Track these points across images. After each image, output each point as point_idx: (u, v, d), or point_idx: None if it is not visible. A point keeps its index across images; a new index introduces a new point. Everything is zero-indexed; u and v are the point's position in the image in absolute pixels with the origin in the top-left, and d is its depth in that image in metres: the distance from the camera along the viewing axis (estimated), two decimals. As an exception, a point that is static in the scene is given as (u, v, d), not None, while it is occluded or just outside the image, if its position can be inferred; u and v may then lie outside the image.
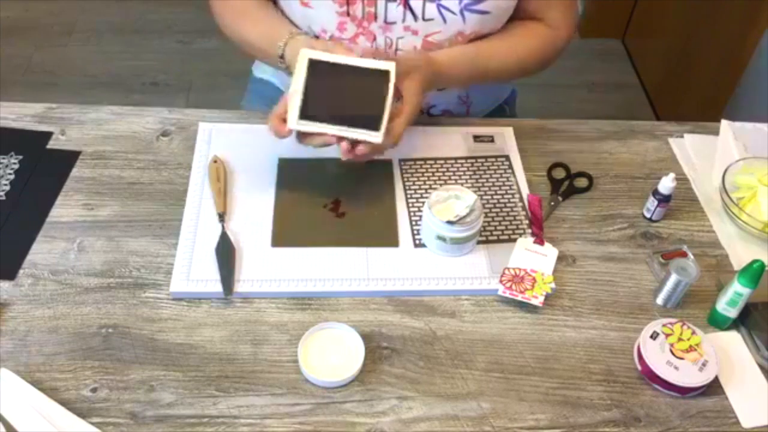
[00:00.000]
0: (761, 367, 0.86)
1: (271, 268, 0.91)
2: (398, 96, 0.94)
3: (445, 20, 1.02)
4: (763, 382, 0.85)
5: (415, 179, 1.03)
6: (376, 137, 0.90)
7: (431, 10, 1.01)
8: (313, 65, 0.92)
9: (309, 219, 0.97)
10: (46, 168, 1.03)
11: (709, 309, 0.90)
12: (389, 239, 0.96)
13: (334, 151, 1.06)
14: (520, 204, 1.01)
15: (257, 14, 1.07)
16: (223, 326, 0.86)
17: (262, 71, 1.30)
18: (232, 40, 1.11)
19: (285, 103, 0.92)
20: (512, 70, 1.11)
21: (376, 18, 1.02)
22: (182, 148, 1.07)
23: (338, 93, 0.92)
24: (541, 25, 1.10)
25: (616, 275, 0.95)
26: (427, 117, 1.17)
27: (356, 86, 0.92)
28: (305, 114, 0.90)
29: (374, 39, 1.05)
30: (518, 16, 1.10)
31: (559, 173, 1.07)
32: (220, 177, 1.00)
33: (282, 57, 1.02)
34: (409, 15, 1.02)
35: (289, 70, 1.01)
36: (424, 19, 1.02)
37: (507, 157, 1.08)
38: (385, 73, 0.91)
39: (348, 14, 1.02)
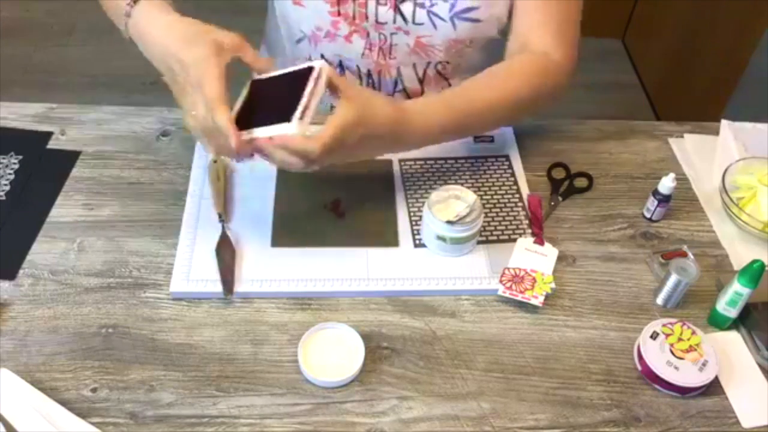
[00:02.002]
0: (761, 367, 0.86)
1: (271, 268, 0.91)
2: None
3: (435, 26, 1.02)
4: (763, 382, 0.85)
5: (415, 179, 1.03)
6: (287, 128, 0.78)
7: (421, 15, 1.01)
8: (253, 84, 0.87)
9: (309, 219, 0.97)
10: (46, 168, 1.03)
11: (709, 309, 0.90)
12: (389, 239, 0.96)
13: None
14: (520, 204, 1.01)
15: None
16: (223, 326, 0.86)
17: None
18: None
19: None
20: (501, 107, 0.97)
21: (367, 17, 1.03)
22: (182, 148, 1.07)
23: (266, 100, 0.85)
24: (534, 54, 1.00)
25: (616, 275, 0.95)
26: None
27: (282, 88, 0.84)
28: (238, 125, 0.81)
29: (368, 35, 1.05)
30: (513, 47, 1.02)
31: (559, 173, 1.07)
32: (220, 177, 1.00)
33: (134, 1, 0.86)
34: (399, 18, 1.02)
35: (128, 26, 0.88)
36: (414, 23, 1.02)
37: (507, 157, 1.08)
38: (309, 70, 0.82)
39: (339, 14, 1.02)
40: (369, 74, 1.11)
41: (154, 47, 0.86)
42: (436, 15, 1.01)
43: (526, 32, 1.01)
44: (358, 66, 1.09)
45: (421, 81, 1.12)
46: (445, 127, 0.94)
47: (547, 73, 0.99)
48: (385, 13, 1.02)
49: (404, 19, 1.02)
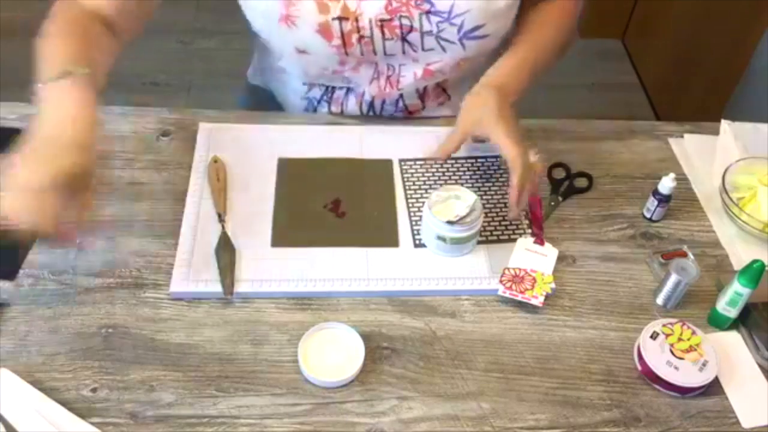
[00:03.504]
0: (761, 367, 0.86)
1: (271, 268, 0.91)
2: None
3: (444, 50, 1.02)
4: (763, 382, 0.85)
5: (415, 179, 1.03)
6: None
7: (430, 41, 1.01)
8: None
9: (309, 219, 0.97)
10: (46, 168, 1.02)
11: (709, 309, 0.90)
12: (389, 239, 0.96)
13: (334, 151, 1.06)
14: (520, 204, 1.01)
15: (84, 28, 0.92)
16: (223, 326, 0.86)
17: (254, 78, 1.30)
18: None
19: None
20: (555, 51, 1.07)
21: (375, 53, 1.03)
22: (182, 148, 1.07)
23: None
24: (552, 4, 1.07)
25: (616, 275, 0.95)
26: (427, 117, 1.17)
27: None
28: None
29: (376, 65, 1.05)
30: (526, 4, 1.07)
31: (559, 173, 1.07)
32: (220, 177, 1.00)
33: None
34: (408, 47, 1.02)
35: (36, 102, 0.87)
36: (423, 49, 1.02)
37: (507, 157, 1.07)
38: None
39: (347, 54, 1.02)
40: (372, 102, 1.12)
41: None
42: (445, 39, 1.01)
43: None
44: (365, 90, 1.10)
45: (421, 98, 1.13)
46: (529, 84, 1.02)
47: (574, 15, 1.10)
48: (393, 45, 1.02)
49: (413, 48, 1.02)
